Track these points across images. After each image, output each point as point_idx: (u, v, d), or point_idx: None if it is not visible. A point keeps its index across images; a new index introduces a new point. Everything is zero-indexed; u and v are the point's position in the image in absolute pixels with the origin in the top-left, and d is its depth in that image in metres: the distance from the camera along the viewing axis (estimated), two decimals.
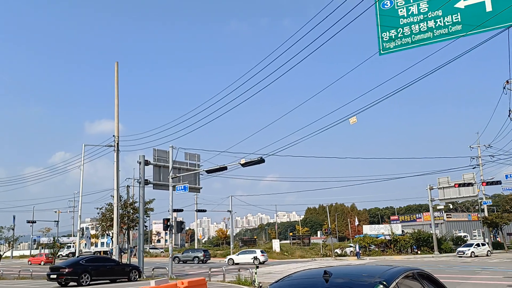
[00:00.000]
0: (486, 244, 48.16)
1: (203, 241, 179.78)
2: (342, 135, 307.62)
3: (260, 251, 39.67)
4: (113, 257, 26.21)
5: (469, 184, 40.03)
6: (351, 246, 54.24)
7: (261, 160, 24.41)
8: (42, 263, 57.03)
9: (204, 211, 51.90)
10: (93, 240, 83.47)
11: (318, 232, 56.14)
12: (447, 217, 74.42)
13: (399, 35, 10.42)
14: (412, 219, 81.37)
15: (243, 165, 25.16)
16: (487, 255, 44.57)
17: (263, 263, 36.41)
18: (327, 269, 4.61)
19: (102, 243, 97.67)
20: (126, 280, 24.58)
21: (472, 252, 43.73)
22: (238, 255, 41.36)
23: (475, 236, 69.38)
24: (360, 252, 48.47)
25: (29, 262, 60.95)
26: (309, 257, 53.32)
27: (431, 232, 53.17)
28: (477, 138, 53.13)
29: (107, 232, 33.54)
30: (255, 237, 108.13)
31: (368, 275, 4.47)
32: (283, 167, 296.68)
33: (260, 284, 17.70)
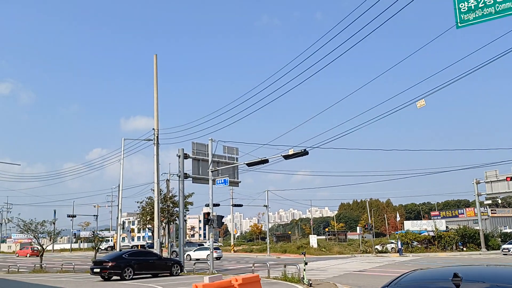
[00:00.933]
0: None
1: (237, 236, 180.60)
2: (386, 127, 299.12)
3: (215, 248, 39.28)
4: (154, 251, 25.92)
5: None
6: (392, 242, 52.46)
7: (305, 152, 23.46)
8: (28, 255, 58.73)
9: (241, 205, 51.47)
10: (123, 234, 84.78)
11: (358, 228, 54.46)
12: (491, 213, 71.27)
13: (480, 5, 9.24)
14: (454, 214, 78.41)
15: (286, 157, 24.28)
16: None
17: (218, 259, 38.93)
18: (457, 270, 3.69)
19: (139, 237, 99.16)
20: (168, 274, 24.22)
21: None
22: (194, 251, 41.41)
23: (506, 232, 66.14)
24: (402, 248, 46.74)
25: (17, 255, 62.97)
26: (347, 254, 51.98)
27: (477, 228, 50.80)
28: None
29: (147, 226, 33.43)
30: (289, 232, 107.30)
31: None
32: (315, 162, 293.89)
33: (310, 282, 16.82)
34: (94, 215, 67.25)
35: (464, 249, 48.65)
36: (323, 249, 54.84)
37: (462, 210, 78.21)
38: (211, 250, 27.17)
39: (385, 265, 31.32)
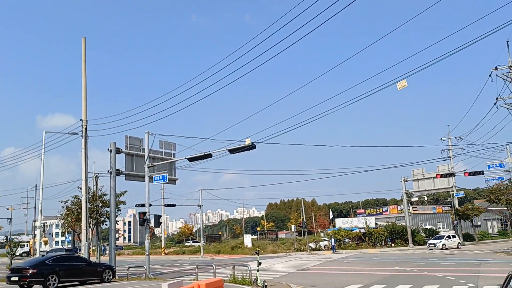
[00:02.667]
0: (457, 236, 48.13)
1: (161, 238, 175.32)
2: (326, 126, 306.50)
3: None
4: (83, 256, 23.16)
5: (451, 175, 39.63)
6: (325, 240, 53.04)
7: (252, 146, 22.18)
8: None
9: (173, 205, 48.74)
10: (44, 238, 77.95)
11: (292, 226, 54.44)
12: (413, 210, 75.08)
13: None
14: (378, 212, 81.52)
15: (232, 151, 22.86)
16: (457, 247, 44.32)
17: None
18: None
19: (57, 242, 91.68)
20: (99, 281, 21.70)
21: (444, 244, 43.30)
22: None
23: (439, 228, 70.29)
24: (336, 245, 47.26)
25: None
26: (281, 252, 51.65)
27: (403, 224, 52.91)
28: (448, 130, 53.29)
29: (73, 229, 30.21)
30: (220, 232, 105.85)
31: None
32: (243, 162, 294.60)
33: (265, 283, 15.54)
34: (7, 218, 60.81)
35: (393, 245, 50.38)
36: (257, 248, 53.95)
37: (386, 208, 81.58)
38: (147, 253, 24.98)
39: (325, 263, 31.02)
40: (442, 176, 41.50)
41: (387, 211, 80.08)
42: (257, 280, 15.85)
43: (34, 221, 51.29)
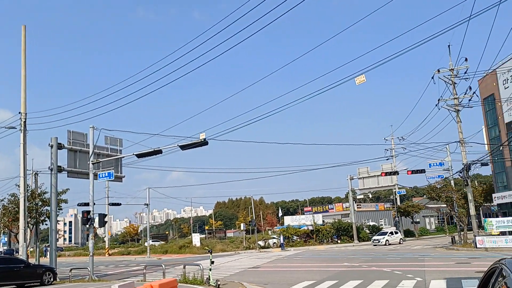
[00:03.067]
0: (399, 233, 49.99)
1: (105, 239, 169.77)
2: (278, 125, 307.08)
3: None
4: (20, 257, 21.60)
5: (395, 173, 41.14)
6: (274, 238, 53.36)
7: (204, 142, 21.71)
8: None
9: (119, 204, 47.15)
10: None
11: (242, 225, 54.30)
12: (357, 208, 77.42)
13: None
14: (325, 210, 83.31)
15: (183, 147, 22.25)
16: (399, 243, 46.05)
17: None
18: None
19: None
20: (38, 284, 20.33)
21: (387, 240, 44.86)
22: None
23: (381, 225, 73.02)
24: (284, 243, 47.67)
25: None
26: (230, 251, 51.40)
27: (349, 221, 54.38)
28: (391, 130, 55.35)
29: (10, 229, 28.19)
30: (166, 232, 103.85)
31: None
32: (191, 161, 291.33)
33: (218, 282, 15.17)
34: None
35: (339, 241, 51.62)
36: (205, 247, 53.32)
37: (332, 206, 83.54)
38: (91, 253, 23.78)
39: (275, 260, 31.11)
40: (386, 174, 43.00)
41: (332, 208, 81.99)
42: (209, 279, 15.44)
43: None
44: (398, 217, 56.70)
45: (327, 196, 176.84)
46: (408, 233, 58.17)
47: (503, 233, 29.54)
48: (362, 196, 58.82)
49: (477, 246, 29.77)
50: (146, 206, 51.31)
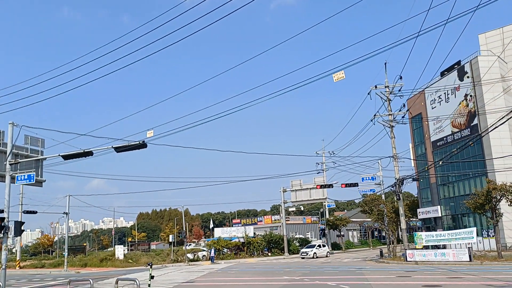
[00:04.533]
0: (326, 246, 50.45)
1: (14, 250, 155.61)
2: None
3: None
4: None
5: (329, 186, 41.52)
6: (204, 250, 51.55)
7: (143, 145, 19.93)
8: None
9: (35, 212, 42.75)
10: None
11: (170, 236, 51.78)
12: (286, 221, 77.92)
13: None
14: (253, 222, 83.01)
15: (118, 149, 20.29)
16: (327, 256, 46.55)
17: None
18: None
19: None
20: None
21: (315, 253, 44.99)
22: None
23: (308, 237, 74.09)
24: (215, 256, 46.11)
25: None
26: (157, 264, 48.76)
27: (280, 234, 54.20)
28: (322, 145, 56.42)
29: None
30: (85, 244, 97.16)
31: None
32: (111, 169, 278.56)
33: None
34: None
35: (269, 254, 51.12)
36: (129, 260, 50.21)
37: (261, 218, 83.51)
38: (4, 266, 20.81)
39: (208, 274, 29.65)
40: (321, 186, 43.42)
41: (261, 221, 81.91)
42: None
43: None
44: (327, 230, 57.59)
45: (253, 208, 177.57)
46: (335, 246, 59.30)
47: (432, 247, 30.62)
48: (294, 209, 59.06)
49: (407, 260, 30.54)
50: (65, 215, 47.12)
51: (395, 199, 32.98)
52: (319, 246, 47.26)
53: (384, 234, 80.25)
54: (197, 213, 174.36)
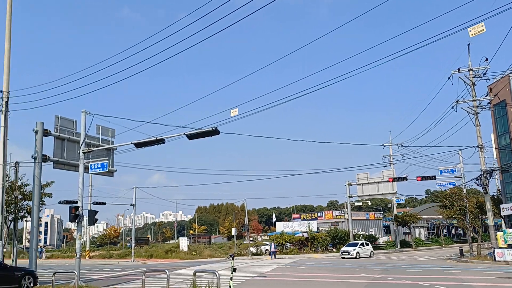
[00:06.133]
0: (369, 244, 44.49)
1: (83, 241, 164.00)
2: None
3: None
4: None
5: (403, 179, 38.88)
6: (266, 244, 50.62)
7: (215, 131, 18.99)
8: None
9: (104, 204, 43.64)
10: None
11: (233, 230, 51.35)
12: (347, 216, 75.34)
13: None
14: (314, 217, 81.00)
15: (191, 136, 19.50)
16: (370, 256, 41.86)
17: None
18: None
19: None
20: None
21: (358, 252, 40.48)
22: None
23: (372, 234, 71.04)
24: (276, 251, 44.13)
25: None
26: (219, 257, 48.52)
27: (343, 229, 52.14)
28: (389, 137, 53.51)
29: None
30: (148, 236, 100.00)
31: None
32: (170, 162, 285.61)
33: None
34: None
35: (334, 250, 49.16)
36: (193, 252, 50.40)
37: (321, 213, 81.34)
38: (78, 255, 20.82)
39: (277, 269, 28.52)
40: (394, 180, 40.87)
41: (322, 216, 79.73)
42: None
43: None
44: (395, 226, 54.64)
45: (309, 204, 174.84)
46: (404, 244, 56.13)
47: None
48: (360, 204, 56.56)
49: (496, 259, 27.68)
50: (132, 206, 48.01)
51: (483, 192, 29.99)
52: (362, 244, 42.40)
53: (460, 232, 75.57)
54: (253, 208, 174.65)
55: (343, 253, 40.64)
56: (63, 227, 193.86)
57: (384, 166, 52.60)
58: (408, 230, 60.48)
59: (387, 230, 74.07)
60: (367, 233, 63.44)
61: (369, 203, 59.56)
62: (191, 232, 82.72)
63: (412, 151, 50.62)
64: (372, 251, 43.26)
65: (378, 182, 46.86)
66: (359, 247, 41.14)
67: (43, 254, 52.75)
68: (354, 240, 49.25)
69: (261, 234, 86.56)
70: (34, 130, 22.04)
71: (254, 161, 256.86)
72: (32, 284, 17.90)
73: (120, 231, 78.11)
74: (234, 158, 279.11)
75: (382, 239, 62.33)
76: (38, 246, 26.76)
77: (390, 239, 62.39)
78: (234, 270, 12.94)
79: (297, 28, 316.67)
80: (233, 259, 13.76)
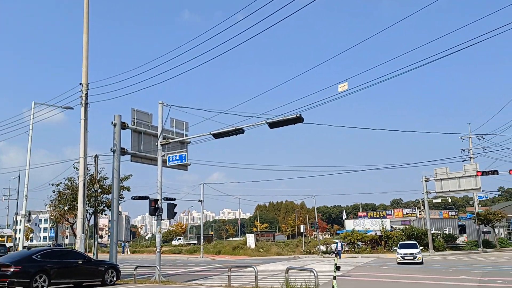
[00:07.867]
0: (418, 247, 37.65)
1: (147, 237, 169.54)
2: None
3: None
4: (79, 251, 18.27)
5: (494, 172, 35.59)
6: (336, 243, 48.63)
7: (299, 118, 17.63)
8: None
9: (173, 199, 43.86)
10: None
11: (302, 227, 49.79)
12: (419, 215, 71.28)
13: None
14: (382, 215, 77.56)
15: (272, 125, 18.29)
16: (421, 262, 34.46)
17: None
18: None
19: (32, 238, 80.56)
20: (100, 283, 16.96)
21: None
22: None
23: (450, 233, 66.54)
24: (342, 250, 40.64)
25: None
26: (286, 254, 47.20)
27: (424, 228, 48.91)
28: (469, 129, 49.62)
29: (65, 218, 25.21)
30: (211, 232, 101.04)
31: None
32: (230, 158, 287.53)
33: None
34: None
35: None
36: (260, 249, 49.53)
37: (390, 211, 77.74)
38: (158, 249, 20.39)
39: (357, 268, 26.79)
40: (482, 173, 37.49)
41: (391, 214, 76.15)
42: None
43: (16, 214, 45.19)
44: (477, 225, 50.53)
45: (371, 202, 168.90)
46: (485, 244, 51.80)
47: None
48: (439, 200, 52.96)
49: None
50: (200, 202, 47.98)
51: None
52: (416, 246, 36.24)
53: None
54: (312, 206, 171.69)
55: (405, 257, 31.37)
56: (130, 224, 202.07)
57: (463, 161, 48.97)
58: (487, 230, 55.99)
59: (461, 230, 69.28)
60: (442, 233, 59.44)
61: (449, 200, 55.55)
62: (254, 229, 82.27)
63: (495, 144, 46.40)
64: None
65: (459, 177, 43.33)
66: (417, 250, 32.52)
67: (127, 249, 53.29)
68: (432, 239, 45.96)
69: (325, 232, 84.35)
70: (112, 123, 21.88)
71: (303, 158, 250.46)
72: (115, 278, 17.53)
73: (186, 227, 79.17)
74: (296, 154, 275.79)
75: (460, 239, 58.22)
76: (123, 242, 27.04)
77: (466, 239, 58.19)
78: (338, 268, 11.50)
79: (363, 19, 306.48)
80: (336, 256, 12.30)
